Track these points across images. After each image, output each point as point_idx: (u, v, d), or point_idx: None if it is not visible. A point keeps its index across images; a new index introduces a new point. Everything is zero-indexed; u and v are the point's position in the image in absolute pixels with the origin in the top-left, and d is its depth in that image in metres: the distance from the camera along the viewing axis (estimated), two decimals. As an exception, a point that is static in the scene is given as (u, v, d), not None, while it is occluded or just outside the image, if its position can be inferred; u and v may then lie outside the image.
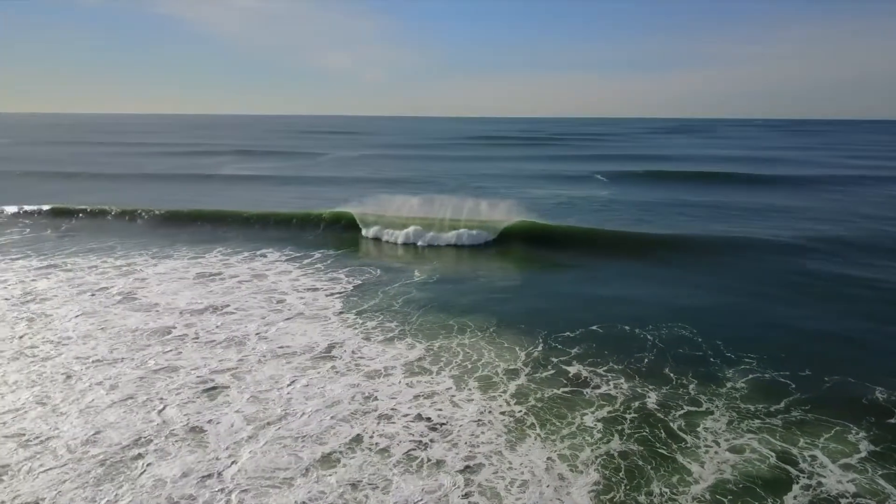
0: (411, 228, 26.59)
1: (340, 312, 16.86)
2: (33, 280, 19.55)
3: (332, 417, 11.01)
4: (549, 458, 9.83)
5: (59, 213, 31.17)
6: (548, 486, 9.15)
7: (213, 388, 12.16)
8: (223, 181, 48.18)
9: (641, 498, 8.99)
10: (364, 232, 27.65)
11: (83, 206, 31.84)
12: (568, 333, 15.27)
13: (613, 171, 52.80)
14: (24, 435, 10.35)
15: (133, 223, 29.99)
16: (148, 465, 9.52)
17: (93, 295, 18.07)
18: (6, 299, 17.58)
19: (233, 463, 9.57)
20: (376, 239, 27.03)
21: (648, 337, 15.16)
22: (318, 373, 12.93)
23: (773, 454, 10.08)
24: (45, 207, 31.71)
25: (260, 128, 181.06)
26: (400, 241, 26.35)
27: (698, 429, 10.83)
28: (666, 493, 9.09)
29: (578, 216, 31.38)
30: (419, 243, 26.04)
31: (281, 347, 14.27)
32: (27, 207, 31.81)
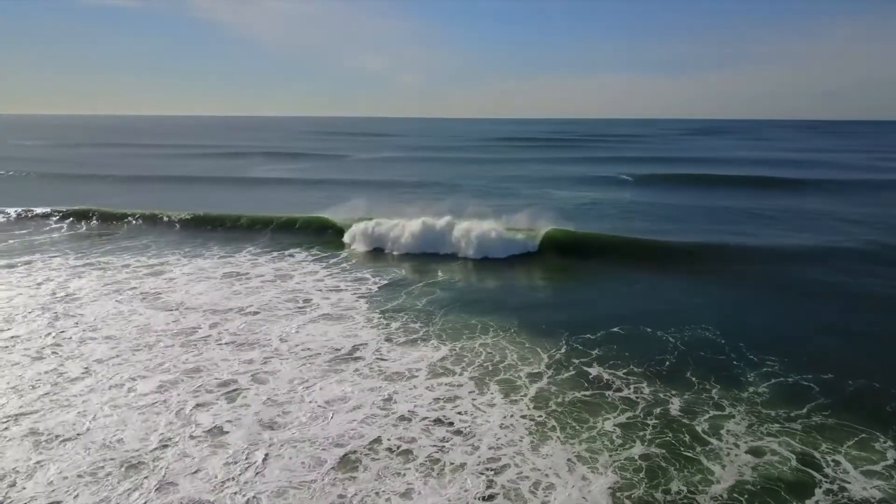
0: (420, 238, 25.25)
1: (365, 313, 17.06)
2: (66, 279, 20.09)
3: (353, 420, 11.13)
4: (569, 461, 9.89)
5: (96, 214, 31.92)
6: (573, 487, 9.22)
7: (235, 389, 12.31)
8: (257, 182, 49.05)
9: (658, 495, 9.06)
10: (353, 244, 26.26)
11: (121, 208, 32.62)
12: (589, 335, 15.28)
13: (641, 173, 52.00)
14: (42, 434, 10.44)
15: (168, 223, 30.60)
16: (167, 467, 9.57)
17: (122, 294, 18.53)
18: (35, 297, 18.10)
19: (253, 465, 9.68)
20: (376, 250, 25.48)
21: (670, 339, 15.09)
22: (341, 375, 13.08)
23: (795, 458, 10.02)
24: (84, 207, 32.57)
25: (296, 129, 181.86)
26: (401, 253, 24.95)
27: (721, 431, 10.80)
28: (683, 490, 9.15)
29: (602, 220, 31.13)
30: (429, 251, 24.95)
31: (304, 349, 14.45)
32: (67, 208, 32.70)
